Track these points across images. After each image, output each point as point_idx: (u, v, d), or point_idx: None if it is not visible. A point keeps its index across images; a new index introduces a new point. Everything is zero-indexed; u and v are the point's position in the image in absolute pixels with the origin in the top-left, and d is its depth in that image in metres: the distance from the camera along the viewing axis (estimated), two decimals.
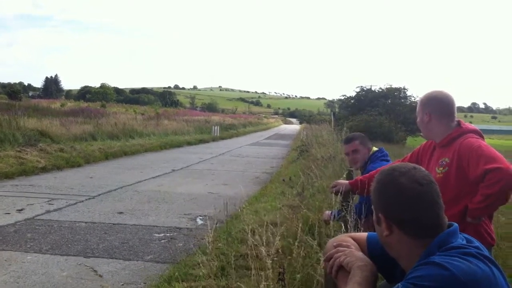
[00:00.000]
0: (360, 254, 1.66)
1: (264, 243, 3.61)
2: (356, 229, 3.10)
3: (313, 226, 4.66)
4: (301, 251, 3.72)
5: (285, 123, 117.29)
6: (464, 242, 1.50)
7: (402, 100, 38.96)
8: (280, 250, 3.63)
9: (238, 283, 3.26)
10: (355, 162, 4.55)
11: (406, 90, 39.30)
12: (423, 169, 1.59)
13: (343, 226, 3.05)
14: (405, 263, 1.54)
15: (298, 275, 3.46)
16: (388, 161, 4.22)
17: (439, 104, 2.99)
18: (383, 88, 39.69)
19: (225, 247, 5.52)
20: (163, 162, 16.86)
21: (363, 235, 1.82)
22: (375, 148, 4.47)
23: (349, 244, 1.73)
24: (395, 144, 25.69)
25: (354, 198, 3.80)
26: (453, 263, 1.37)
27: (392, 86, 39.56)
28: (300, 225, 4.37)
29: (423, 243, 1.49)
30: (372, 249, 1.72)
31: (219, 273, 4.52)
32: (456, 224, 1.54)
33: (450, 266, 1.36)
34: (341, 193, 3.70)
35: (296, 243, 3.61)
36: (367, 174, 3.67)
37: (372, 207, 1.64)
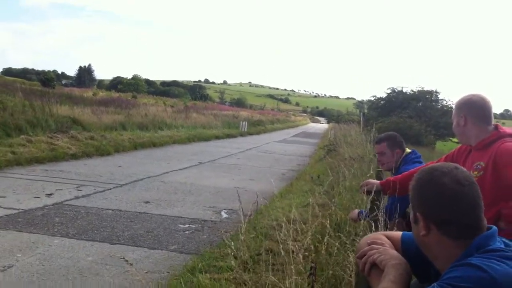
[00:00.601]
0: (394, 252, 1.62)
1: (293, 238, 3.58)
2: (386, 230, 3.04)
3: (341, 224, 4.61)
4: (331, 249, 3.68)
5: (313, 122, 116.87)
6: (503, 245, 1.46)
7: (433, 104, 38.36)
8: (312, 246, 3.58)
9: (270, 277, 3.23)
10: (381, 164, 4.50)
11: (438, 94, 38.70)
12: (465, 169, 1.55)
13: (373, 226, 2.99)
14: (441, 264, 1.50)
15: (330, 272, 3.43)
16: (421, 163, 4.14)
17: (474, 107, 2.91)
18: (414, 90, 39.17)
19: (251, 241, 5.50)
20: (190, 154, 16.96)
21: (398, 233, 1.78)
22: (408, 150, 4.39)
23: (383, 242, 1.69)
24: (424, 147, 25.33)
25: (384, 198, 3.74)
26: (491, 265, 1.33)
27: (424, 89, 39.00)
28: (328, 222, 4.33)
29: (461, 244, 1.45)
30: (406, 248, 1.69)
31: (243, 267, 4.51)
32: (495, 227, 1.50)
33: (488, 268, 1.32)
34: (371, 193, 3.65)
35: (325, 240, 3.57)
36: (399, 175, 3.60)
37: (410, 205, 1.60)
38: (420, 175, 1.57)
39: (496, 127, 2.90)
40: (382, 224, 2.93)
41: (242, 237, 4.13)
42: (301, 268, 3.16)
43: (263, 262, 3.82)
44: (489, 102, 2.92)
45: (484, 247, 1.42)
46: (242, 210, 4.70)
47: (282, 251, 3.84)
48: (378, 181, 3.71)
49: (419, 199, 1.53)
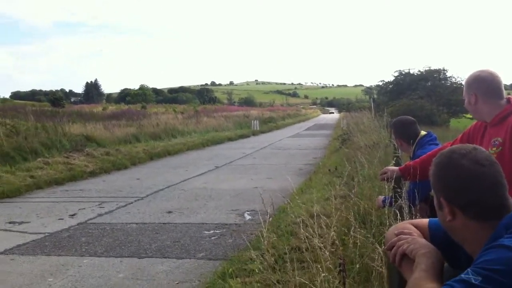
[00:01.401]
0: (423, 241, 1.62)
1: (318, 235, 3.58)
2: (411, 216, 3.03)
3: (365, 215, 4.61)
4: (357, 241, 3.67)
5: (323, 113, 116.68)
6: None
7: (443, 82, 38.01)
8: (337, 242, 3.58)
9: (298, 278, 3.24)
10: (401, 149, 4.50)
11: (446, 72, 38.33)
12: (484, 149, 1.54)
13: (398, 214, 2.98)
14: (472, 247, 1.49)
15: (357, 266, 3.42)
16: (437, 144, 4.09)
17: (483, 83, 2.89)
18: (422, 70, 38.85)
19: (276, 240, 5.51)
20: (206, 159, 17.01)
21: (424, 221, 1.77)
22: (423, 132, 4.32)
23: (411, 232, 1.68)
24: (438, 126, 25.14)
25: (406, 184, 3.73)
26: None
27: (431, 68, 38.66)
28: (352, 214, 4.33)
29: (489, 225, 1.43)
30: (434, 235, 1.67)
31: (272, 267, 4.52)
32: None
33: None
34: (391, 180, 3.64)
35: (351, 233, 3.57)
36: (418, 160, 3.57)
37: (432, 191, 1.59)
38: (439, 159, 1.55)
39: (509, 100, 2.87)
40: (407, 211, 2.92)
41: (265, 241, 4.13)
42: (330, 265, 3.16)
43: (289, 262, 3.83)
44: (498, 77, 2.90)
45: None
46: (267, 212, 4.70)
47: (308, 249, 3.86)
48: (397, 168, 3.69)
49: (441, 184, 1.52)
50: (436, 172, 1.54)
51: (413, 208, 3.31)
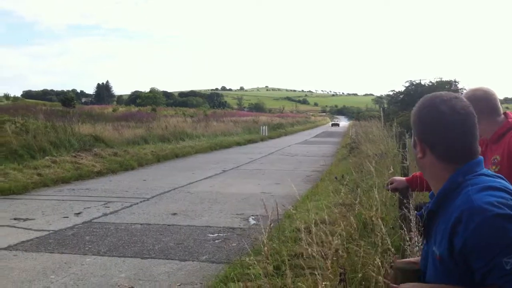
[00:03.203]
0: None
1: (319, 243, 3.55)
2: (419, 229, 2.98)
3: (368, 224, 4.57)
4: (360, 250, 3.63)
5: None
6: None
7: None
8: (340, 250, 3.54)
9: (299, 284, 3.20)
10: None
11: (457, 83, 38.03)
12: (465, 100, 1.63)
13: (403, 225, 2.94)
14: (435, 186, 1.61)
15: (359, 275, 3.38)
16: None
17: (479, 103, 2.84)
18: (433, 81, 38.67)
19: (279, 246, 5.48)
20: (213, 163, 17.01)
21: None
22: None
23: None
24: None
25: (414, 195, 3.68)
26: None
27: (443, 79, 38.48)
28: (355, 222, 4.29)
29: (451, 168, 1.55)
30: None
31: (274, 273, 4.50)
32: (481, 157, 1.59)
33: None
34: (396, 191, 3.60)
35: (354, 242, 3.53)
36: None
37: (412, 131, 1.70)
38: (422, 101, 1.66)
39: (506, 115, 2.84)
40: (414, 223, 2.87)
41: (265, 248, 4.10)
42: (330, 275, 3.11)
43: (289, 269, 3.79)
44: (493, 94, 2.86)
45: (472, 173, 1.52)
46: (261, 217, 4.67)
47: (310, 256, 3.82)
48: (404, 178, 3.66)
49: (418, 123, 1.63)
50: (415, 112, 1.66)
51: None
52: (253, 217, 8.19)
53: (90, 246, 6.32)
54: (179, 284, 4.99)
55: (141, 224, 7.57)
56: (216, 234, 7.03)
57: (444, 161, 1.56)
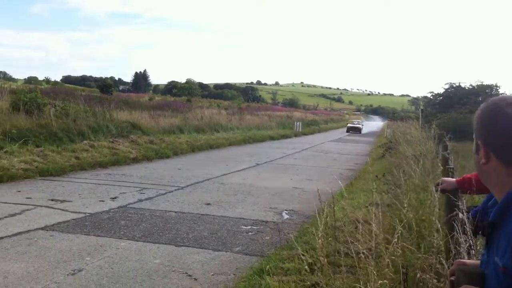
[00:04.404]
0: None
1: (366, 241, 3.46)
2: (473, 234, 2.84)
3: (412, 225, 4.45)
4: (405, 250, 3.53)
5: (367, 120, 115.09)
6: None
7: None
8: (398, 249, 3.43)
9: (345, 281, 3.13)
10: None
11: (498, 88, 37.14)
12: None
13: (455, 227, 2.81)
14: (499, 193, 1.53)
15: (417, 275, 3.28)
16: None
17: None
18: (473, 85, 37.86)
19: (314, 241, 5.40)
20: (247, 156, 17.00)
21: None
22: None
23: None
24: None
25: (464, 198, 3.54)
26: None
27: (483, 83, 37.63)
28: (397, 222, 4.18)
29: None
30: None
31: (310, 269, 4.42)
32: None
33: None
34: (445, 192, 3.48)
35: (398, 241, 3.42)
36: (475, 173, 3.41)
37: (474, 135, 1.61)
38: (485, 105, 1.59)
39: None
40: (470, 228, 2.73)
41: (320, 241, 4.01)
42: (390, 273, 3.01)
43: (337, 265, 3.71)
44: None
45: None
46: (294, 212, 4.59)
47: (361, 254, 3.73)
48: (454, 179, 3.53)
49: (482, 127, 1.56)
50: (480, 115, 1.58)
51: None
52: (286, 211, 8.13)
53: (125, 231, 6.36)
54: (212, 273, 4.97)
55: (175, 212, 7.60)
56: (249, 227, 6.99)
57: (509, 166, 1.48)
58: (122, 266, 5.05)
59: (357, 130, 48.92)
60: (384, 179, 8.22)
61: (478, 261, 1.74)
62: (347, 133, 45.30)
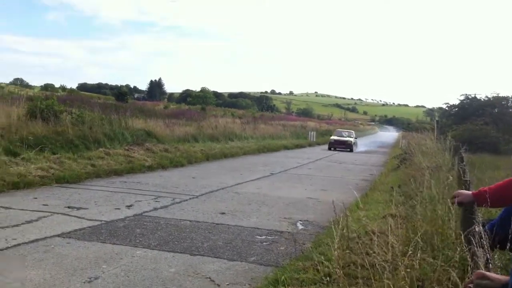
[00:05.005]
0: None
1: (381, 252, 3.45)
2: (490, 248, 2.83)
3: (428, 238, 4.42)
4: (423, 263, 3.51)
5: (381, 131, 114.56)
6: None
7: (510, 110, 36.58)
8: (415, 261, 3.40)
9: None
10: None
11: None
12: None
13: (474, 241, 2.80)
14: None
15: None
16: None
17: None
18: (489, 96, 37.58)
19: (330, 253, 5.39)
20: (261, 165, 17.02)
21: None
22: None
23: None
24: (502, 155, 24.16)
25: (482, 211, 3.52)
26: None
27: (499, 95, 37.34)
28: (413, 234, 4.16)
29: None
30: None
31: (325, 280, 4.41)
32: None
33: None
34: (462, 205, 3.46)
35: (417, 254, 3.40)
36: (494, 186, 3.39)
37: None
38: None
39: None
40: (487, 242, 2.72)
41: (336, 252, 4.01)
42: (406, 286, 3.00)
43: (353, 277, 3.70)
44: None
45: None
46: (309, 223, 4.59)
47: (368, 265, 3.72)
48: (470, 192, 3.51)
49: None
50: None
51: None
52: (301, 222, 8.11)
53: (140, 239, 6.40)
54: (227, 283, 4.97)
55: (190, 221, 7.62)
56: (264, 237, 6.99)
57: None
58: (138, 274, 5.08)
59: (346, 146, 31.67)
60: (400, 191, 8.18)
61: (499, 275, 1.73)
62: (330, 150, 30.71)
